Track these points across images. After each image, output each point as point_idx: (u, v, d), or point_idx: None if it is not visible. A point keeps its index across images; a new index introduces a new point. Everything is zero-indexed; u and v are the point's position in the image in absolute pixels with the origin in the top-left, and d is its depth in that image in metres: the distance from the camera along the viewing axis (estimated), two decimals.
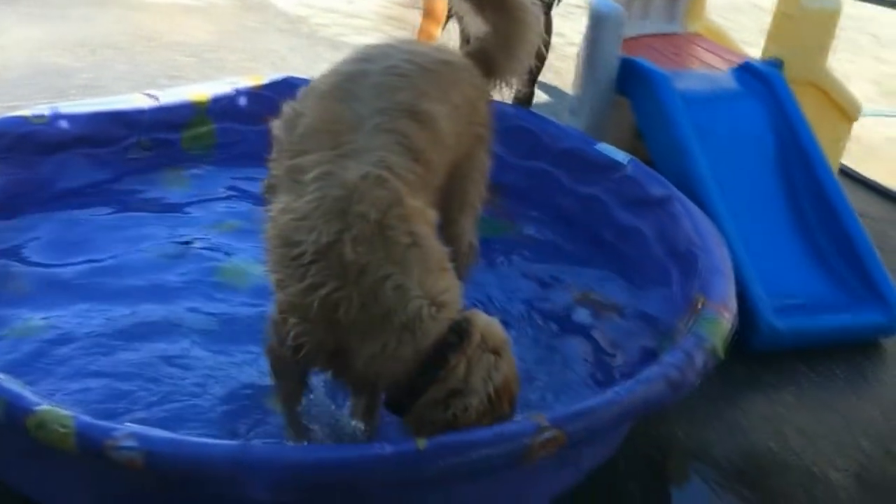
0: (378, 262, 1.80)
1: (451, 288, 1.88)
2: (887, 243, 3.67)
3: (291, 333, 1.85)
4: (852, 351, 2.98)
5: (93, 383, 2.31)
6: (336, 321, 1.80)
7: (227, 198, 3.36)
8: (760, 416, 2.65)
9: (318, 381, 2.22)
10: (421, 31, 4.06)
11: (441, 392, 1.81)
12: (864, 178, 4.34)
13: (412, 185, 1.93)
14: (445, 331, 1.82)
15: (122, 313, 2.58)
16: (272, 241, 1.89)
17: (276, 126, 2.11)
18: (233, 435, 2.17)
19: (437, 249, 1.90)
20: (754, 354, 2.84)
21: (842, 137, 3.82)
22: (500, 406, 1.85)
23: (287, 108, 2.11)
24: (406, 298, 1.80)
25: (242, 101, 3.64)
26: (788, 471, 2.43)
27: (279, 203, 1.92)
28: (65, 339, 2.46)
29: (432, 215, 1.98)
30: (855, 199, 3.38)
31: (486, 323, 1.89)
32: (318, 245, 1.80)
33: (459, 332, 1.83)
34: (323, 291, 1.79)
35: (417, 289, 1.81)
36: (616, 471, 2.33)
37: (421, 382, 1.82)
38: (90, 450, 1.71)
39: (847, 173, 4.21)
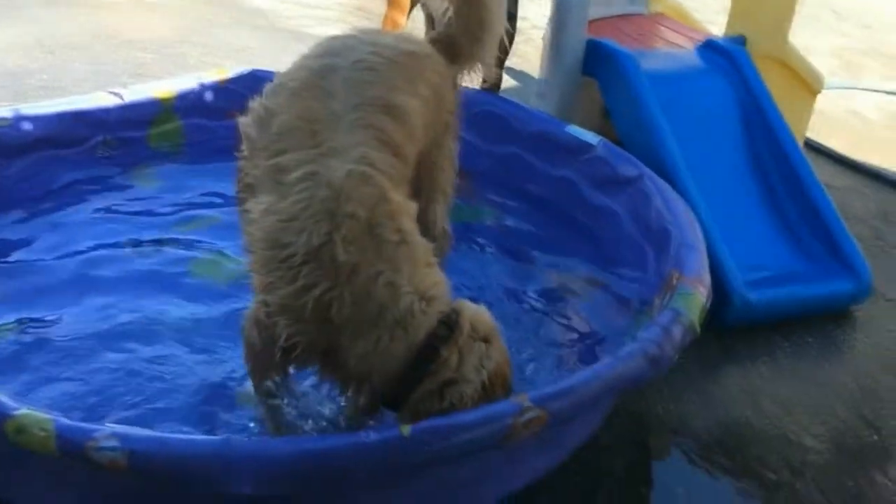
0: (369, 260, 1.82)
1: (439, 282, 1.92)
2: (853, 213, 3.74)
3: (284, 335, 1.85)
4: (824, 320, 3.04)
5: (66, 387, 2.28)
6: (329, 321, 1.82)
7: (197, 194, 3.32)
8: (737, 388, 2.69)
9: (301, 376, 2.22)
10: (386, 19, 4.04)
11: (435, 384, 1.85)
12: (829, 149, 4.41)
13: (393, 180, 1.95)
14: (436, 324, 1.86)
15: (95, 314, 2.55)
16: (258, 243, 1.88)
17: (247, 124, 2.09)
18: (212, 433, 2.15)
19: (423, 245, 1.94)
20: (728, 328, 2.88)
21: (806, 110, 3.87)
22: (494, 392, 1.89)
23: (257, 105, 2.09)
24: (397, 295, 1.83)
25: (208, 95, 3.60)
26: (766, 439, 2.48)
27: (261, 204, 1.90)
28: (39, 342, 2.42)
29: (414, 208, 2.00)
30: (820, 171, 3.43)
31: (475, 312, 1.93)
32: (309, 247, 1.80)
33: (449, 324, 1.87)
34: (316, 292, 1.80)
35: (408, 285, 1.84)
36: (598, 448, 2.36)
37: (414, 376, 1.85)
38: (72, 452, 1.69)
39: (812, 146, 4.27)
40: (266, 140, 1.99)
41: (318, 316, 1.81)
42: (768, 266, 3.08)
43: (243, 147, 2.09)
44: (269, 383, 2.04)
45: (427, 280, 1.89)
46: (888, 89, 5.47)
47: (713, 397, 2.64)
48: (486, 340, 1.91)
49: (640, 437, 2.46)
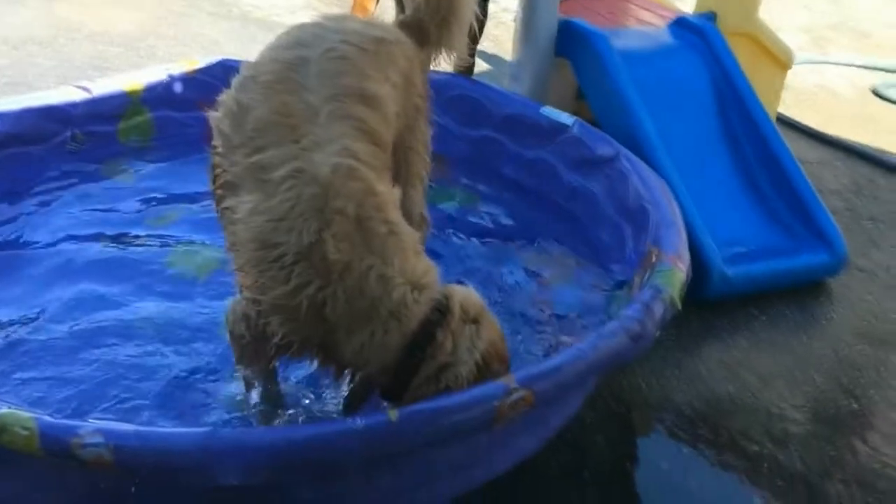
0: (359, 255, 1.83)
1: (429, 270, 1.94)
2: (825, 186, 3.79)
3: (280, 333, 1.86)
4: (800, 292, 3.08)
5: (42, 386, 2.25)
6: (323, 318, 1.83)
7: (170, 186, 3.28)
8: (718, 362, 2.72)
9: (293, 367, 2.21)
10: (355, 4, 4.01)
11: (432, 369, 1.87)
12: (800, 124, 4.45)
13: (376, 169, 1.95)
14: (429, 311, 1.88)
15: (70, 310, 2.51)
16: (247, 243, 1.87)
17: (219, 119, 2.06)
18: (196, 426, 2.13)
19: (410, 233, 1.95)
20: (707, 303, 2.91)
21: (777, 85, 3.91)
22: (490, 368, 1.91)
23: (227, 99, 2.06)
24: (390, 288, 1.84)
25: (178, 87, 3.54)
26: (747, 411, 2.51)
27: (246, 203, 1.89)
28: (14, 342, 2.38)
29: (398, 195, 2.01)
30: (792, 146, 3.46)
31: (464, 294, 1.96)
32: (300, 246, 1.80)
33: (442, 310, 1.89)
34: (309, 291, 1.80)
35: (399, 276, 1.86)
36: (583, 425, 2.38)
37: (410, 364, 1.87)
38: (56, 451, 1.67)
39: (784, 121, 4.30)
40: (242, 136, 1.97)
41: (313, 314, 1.82)
42: (745, 241, 3.11)
43: (217, 143, 2.07)
44: (256, 372, 2.02)
45: (418, 269, 1.90)
46: (857, 63, 5.52)
47: (694, 372, 2.66)
48: (475, 321, 1.93)
49: (624, 413, 2.48)
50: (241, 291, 1.96)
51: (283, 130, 1.91)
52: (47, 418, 1.72)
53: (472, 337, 1.90)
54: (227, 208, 1.99)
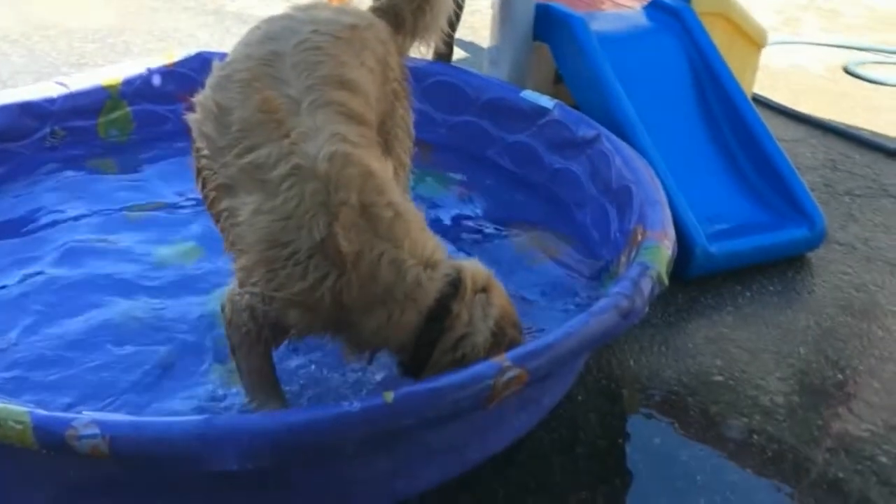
0: (369, 242, 1.87)
1: (437, 246, 1.99)
2: (802, 163, 3.84)
3: (299, 326, 1.92)
4: (782, 267, 3.12)
5: (33, 377, 2.24)
6: (341, 303, 1.87)
7: (150, 179, 3.27)
8: (704, 338, 2.75)
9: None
10: None
11: (450, 341, 1.93)
12: (775, 103, 4.49)
13: (367, 147, 1.97)
14: (442, 287, 1.93)
15: (56, 305, 2.50)
16: (256, 244, 1.89)
17: (199, 122, 2.07)
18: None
19: (414, 212, 1.99)
20: (692, 280, 2.94)
21: (752, 65, 3.94)
22: (505, 334, 1.98)
23: (206, 101, 2.06)
24: (403, 270, 1.89)
25: (156, 80, 3.53)
26: (735, 385, 2.54)
27: (248, 204, 1.91)
28: None
29: (391, 168, 2.04)
30: (767, 124, 3.47)
31: (472, 266, 2.02)
32: (313, 241, 1.84)
33: (454, 283, 1.94)
34: (328, 283, 1.84)
35: (410, 258, 1.90)
36: (574, 403, 2.40)
37: (428, 340, 1.92)
38: (51, 443, 1.66)
39: (759, 100, 4.35)
40: (229, 138, 1.98)
41: (332, 303, 1.86)
42: (726, 217, 3.14)
43: (201, 145, 2.07)
44: (254, 358, 2.02)
45: (427, 247, 1.95)
46: (828, 42, 5.59)
47: (681, 348, 2.69)
48: (484, 290, 1.99)
49: (614, 390, 2.50)
50: (240, 286, 1.97)
51: (270, 127, 1.92)
52: (41, 411, 1.71)
53: (483, 306, 1.96)
54: (224, 210, 2.01)
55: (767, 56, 4.24)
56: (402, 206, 1.94)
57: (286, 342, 2.08)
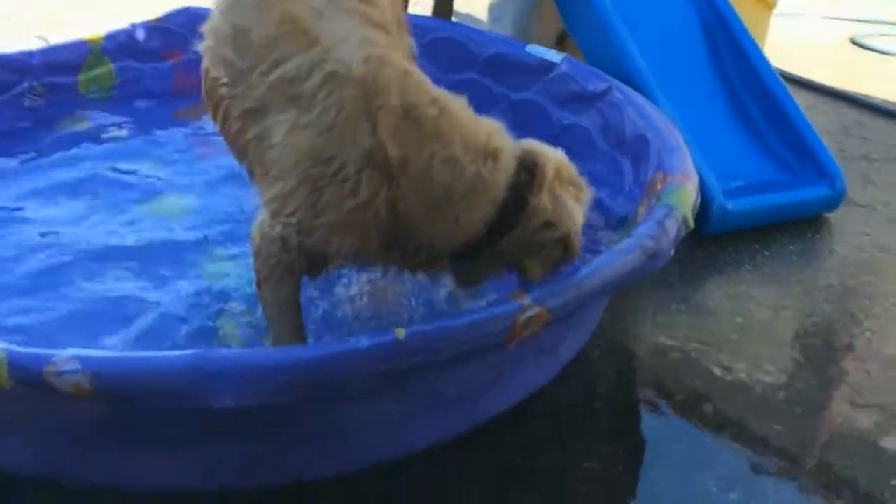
0: (416, 144, 1.71)
1: (493, 131, 1.81)
2: (816, 128, 3.69)
3: (345, 252, 1.77)
4: (800, 227, 2.98)
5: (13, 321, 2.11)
6: (398, 217, 1.73)
7: (132, 137, 3.11)
8: (724, 295, 2.61)
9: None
10: None
11: (529, 230, 1.78)
12: (783, 71, 4.34)
13: (397, 50, 1.87)
14: (513, 173, 1.76)
15: (38, 251, 2.38)
16: (297, 165, 1.73)
17: (212, 48, 1.96)
18: None
19: (459, 101, 1.83)
20: (709, 237, 2.81)
21: (763, 24, 3.82)
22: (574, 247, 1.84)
23: (218, 25, 1.95)
24: (459, 168, 1.73)
25: (140, 34, 3.38)
26: (759, 341, 2.41)
27: (282, 123, 1.77)
28: None
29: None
30: None
31: (555, 154, 1.85)
32: (359, 152, 1.69)
33: (529, 168, 1.78)
34: (383, 195, 1.70)
35: (466, 153, 1.74)
36: (589, 360, 2.27)
37: (500, 231, 1.77)
38: (28, 380, 1.50)
39: None
40: (251, 58, 1.86)
41: (390, 216, 1.73)
42: (742, 174, 3.01)
43: (217, 74, 1.95)
44: (282, 291, 1.87)
45: (481, 135, 1.78)
46: (835, 15, 5.50)
47: (702, 304, 2.56)
48: (572, 184, 1.85)
49: (631, 346, 2.36)
50: (272, 217, 1.80)
51: (296, 37, 1.81)
52: (16, 347, 1.54)
53: (575, 199, 1.82)
54: (252, 139, 1.87)
55: (773, 28, 4.12)
56: (443, 100, 1.79)
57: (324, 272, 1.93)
